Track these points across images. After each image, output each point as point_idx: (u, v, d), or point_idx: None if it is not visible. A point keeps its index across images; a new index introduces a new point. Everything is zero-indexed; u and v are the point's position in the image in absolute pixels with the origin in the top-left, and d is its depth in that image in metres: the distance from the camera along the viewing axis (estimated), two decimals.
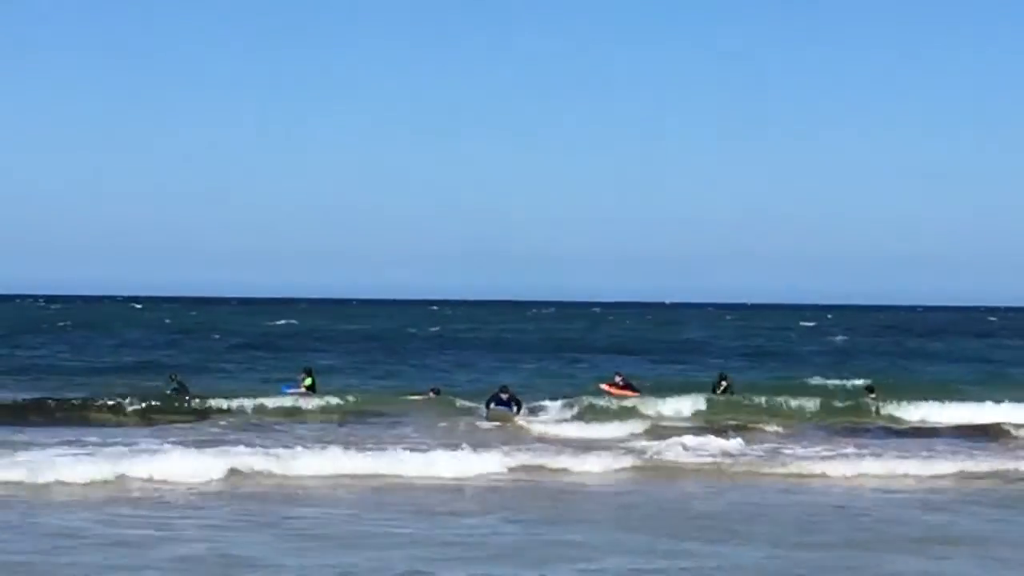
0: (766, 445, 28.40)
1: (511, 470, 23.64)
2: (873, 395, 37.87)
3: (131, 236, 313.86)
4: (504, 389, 33.67)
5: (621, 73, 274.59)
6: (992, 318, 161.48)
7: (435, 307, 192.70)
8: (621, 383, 39.44)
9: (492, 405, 33.00)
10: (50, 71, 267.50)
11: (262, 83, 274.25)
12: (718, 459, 25.78)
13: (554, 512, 19.56)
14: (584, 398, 35.94)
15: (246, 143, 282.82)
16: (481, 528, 18.11)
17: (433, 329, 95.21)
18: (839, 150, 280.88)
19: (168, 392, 35.57)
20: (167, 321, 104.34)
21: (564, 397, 36.13)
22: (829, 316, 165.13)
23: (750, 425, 32.32)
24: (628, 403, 35.93)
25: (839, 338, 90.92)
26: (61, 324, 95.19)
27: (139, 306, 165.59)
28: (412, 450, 24.85)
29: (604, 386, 38.96)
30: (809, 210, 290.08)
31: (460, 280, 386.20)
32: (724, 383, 38.99)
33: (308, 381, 37.05)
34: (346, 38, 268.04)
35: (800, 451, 27.37)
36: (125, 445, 25.10)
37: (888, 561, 16.12)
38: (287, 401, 35.19)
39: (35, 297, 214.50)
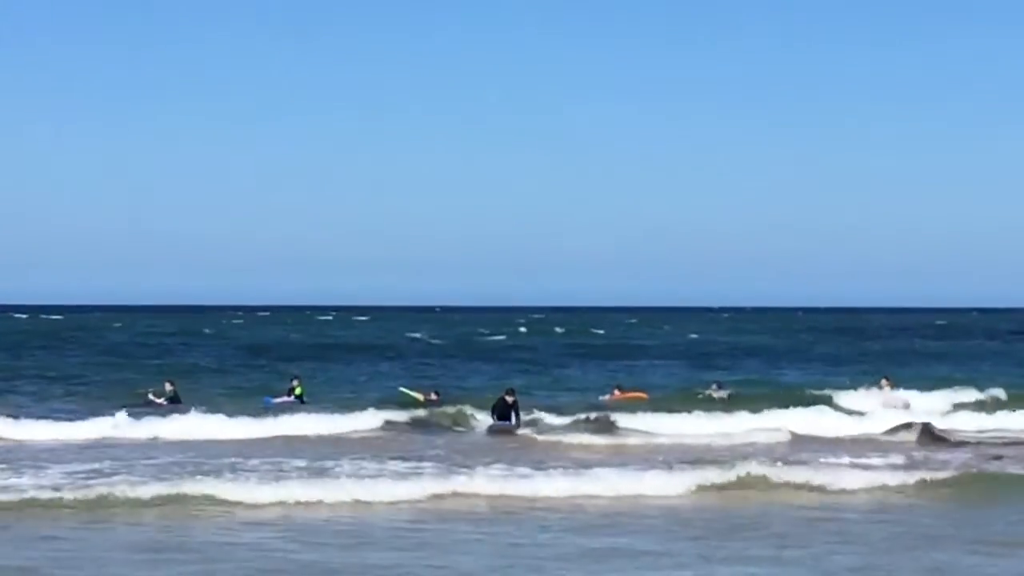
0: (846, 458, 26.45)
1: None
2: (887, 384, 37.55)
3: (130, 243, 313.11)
4: (510, 391, 32.93)
5: (624, 74, 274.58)
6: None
7: (429, 313, 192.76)
8: (619, 394, 38.98)
9: (496, 417, 31.99)
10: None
11: (259, 84, 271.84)
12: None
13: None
14: (609, 413, 33.48)
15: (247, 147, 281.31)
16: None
17: (429, 337, 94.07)
18: (837, 153, 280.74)
19: (162, 401, 34.55)
20: (172, 332, 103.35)
21: (581, 408, 34.51)
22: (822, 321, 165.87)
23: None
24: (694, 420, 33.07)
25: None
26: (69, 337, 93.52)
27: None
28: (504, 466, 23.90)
29: (608, 398, 38.29)
30: (809, 215, 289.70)
31: (453, 285, 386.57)
32: (721, 393, 38.03)
33: (298, 390, 36.34)
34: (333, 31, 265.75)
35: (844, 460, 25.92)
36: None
37: None
38: (315, 422, 31.16)
39: (34, 309, 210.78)
